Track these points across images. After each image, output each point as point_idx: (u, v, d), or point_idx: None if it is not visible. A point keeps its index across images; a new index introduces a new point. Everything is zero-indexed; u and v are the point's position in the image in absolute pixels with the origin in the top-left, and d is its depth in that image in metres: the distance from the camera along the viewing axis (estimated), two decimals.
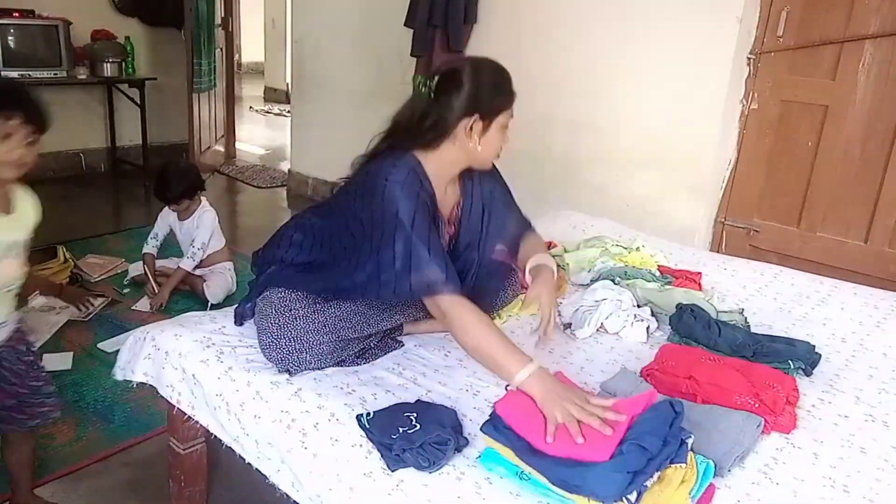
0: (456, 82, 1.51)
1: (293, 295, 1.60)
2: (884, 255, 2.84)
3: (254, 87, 10.29)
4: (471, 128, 1.52)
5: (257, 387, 1.46)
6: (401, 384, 1.51)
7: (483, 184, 1.74)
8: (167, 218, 3.15)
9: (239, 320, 1.71)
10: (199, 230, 3.06)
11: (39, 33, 4.43)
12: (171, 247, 3.26)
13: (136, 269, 3.21)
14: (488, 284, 1.78)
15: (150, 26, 5.29)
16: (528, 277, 1.69)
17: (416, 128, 1.53)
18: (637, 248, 2.28)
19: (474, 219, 1.71)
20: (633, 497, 1.08)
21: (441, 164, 1.57)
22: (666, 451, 1.12)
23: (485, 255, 1.74)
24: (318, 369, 1.53)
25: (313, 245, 1.68)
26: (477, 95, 1.52)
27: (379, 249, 1.47)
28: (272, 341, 1.53)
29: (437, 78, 1.52)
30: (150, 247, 3.12)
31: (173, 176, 3.00)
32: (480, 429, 1.25)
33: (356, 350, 1.58)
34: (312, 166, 4.87)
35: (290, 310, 1.57)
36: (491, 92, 1.55)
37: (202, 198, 3.13)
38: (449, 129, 1.52)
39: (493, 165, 1.74)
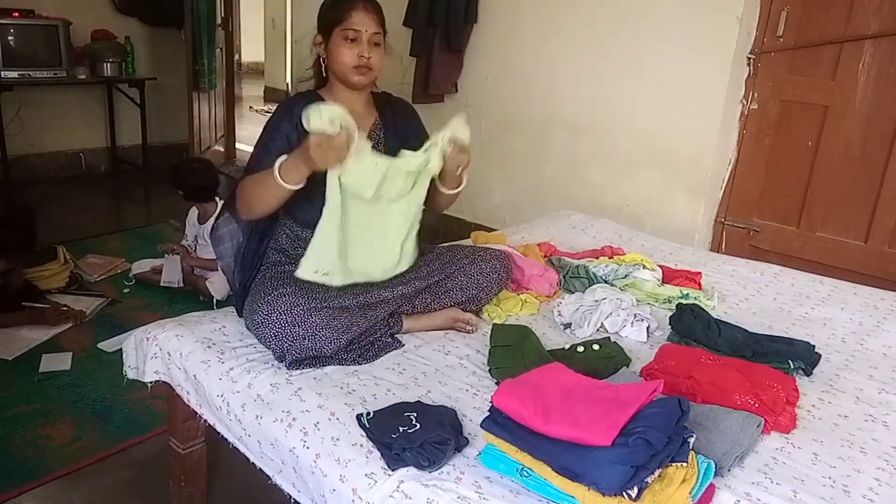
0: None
1: (277, 273, 1.66)
2: (884, 255, 2.84)
3: (254, 87, 10.28)
4: (319, 47, 1.71)
5: (258, 388, 1.46)
6: (401, 384, 1.51)
7: (400, 117, 1.85)
8: (192, 219, 3.18)
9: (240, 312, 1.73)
10: (225, 250, 3.03)
11: (39, 33, 4.43)
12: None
13: (138, 267, 3.22)
14: None
15: (150, 26, 5.29)
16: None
17: (313, 65, 1.77)
18: (625, 276, 2.12)
19: (396, 142, 1.77)
20: (633, 492, 1.08)
21: (332, 91, 1.73)
22: (669, 448, 1.12)
23: None
24: (316, 360, 1.53)
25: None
26: (318, 19, 1.71)
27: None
28: (263, 318, 1.54)
29: None
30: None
31: (202, 180, 3.06)
32: (480, 425, 1.25)
33: (349, 330, 1.57)
34: None
35: (277, 288, 1.59)
36: (323, 10, 1.70)
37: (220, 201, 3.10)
38: (317, 55, 1.73)
39: (412, 108, 1.91)
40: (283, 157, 1.52)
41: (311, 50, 1.76)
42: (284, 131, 1.64)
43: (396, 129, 1.81)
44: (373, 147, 1.61)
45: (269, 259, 1.75)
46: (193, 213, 3.19)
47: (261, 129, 1.73)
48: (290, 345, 1.51)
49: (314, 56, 1.76)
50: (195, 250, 3.20)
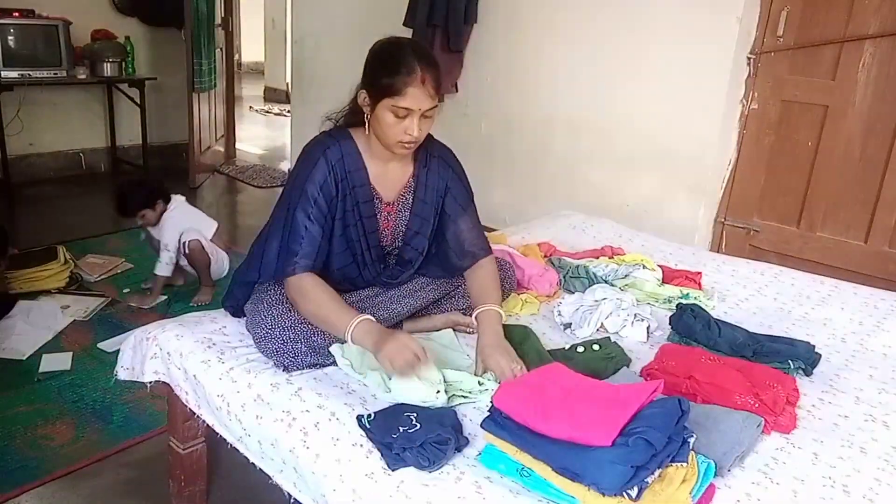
0: (368, 56, 1.56)
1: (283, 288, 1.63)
2: (884, 255, 2.84)
3: (254, 87, 10.29)
4: (364, 102, 1.54)
5: (258, 388, 1.45)
6: None
7: (440, 175, 1.69)
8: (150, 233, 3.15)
9: (232, 310, 1.73)
10: (163, 231, 3.04)
11: (39, 33, 4.43)
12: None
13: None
14: (434, 274, 1.78)
15: (150, 26, 5.29)
16: (474, 322, 1.65)
17: (352, 104, 1.61)
18: (625, 276, 2.12)
19: (427, 207, 1.68)
20: (633, 492, 1.08)
21: (367, 140, 1.60)
22: (669, 448, 1.12)
23: (434, 245, 1.74)
24: (316, 365, 1.53)
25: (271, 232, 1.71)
26: (368, 69, 1.54)
27: (274, 225, 1.60)
28: (266, 333, 1.53)
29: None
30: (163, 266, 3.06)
31: (127, 191, 3.05)
32: (480, 425, 1.25)
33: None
34: None
35: (283, 302, 1.58)
36: (375, 68, 1.52)
37: (169, 204, 3.08)
38: (357, 103, 1.57)
39: (457, 161, 1.74)
40: (360, 323, 1.45)
41: (357, 92, 1.57)
42: (325, 193, 1.54)
43: (428, 192, 1.67)
44: (397, 210, 1.63)
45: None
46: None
47: (294, 163, 1.64)
48: (291, 360, 1.50)
49: (353, 95, 1.59)
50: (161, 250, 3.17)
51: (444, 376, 1.44)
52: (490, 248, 1.78)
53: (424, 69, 1.46)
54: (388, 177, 1.64)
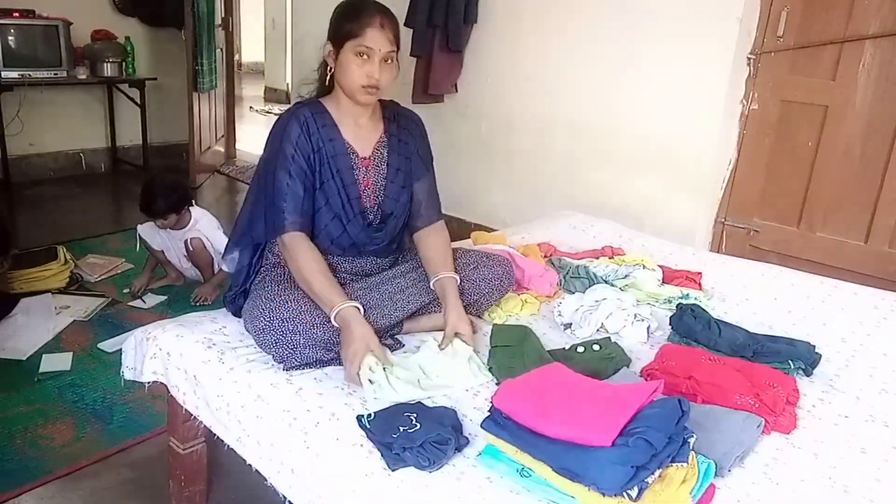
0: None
1: (280, 278, 1.67)
2: (884, 255, 2.84)
3: (254, 87, 10.29)
4: (329, 56, 1.67)
5: (258, 388, 1.46)
6: None
7: (410, 132, 1.82)
8: (155, 234, 3.10)
9: (231, 308, 1.76)
10: (212, 235, 3.07)
11: (39, 33, 4.43)
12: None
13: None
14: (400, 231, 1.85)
15: (150, 26, 5.29)
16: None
17: (319, 70, 1.74)
18: (625, 276, 2.12)
19: (401, 159, 1.79)
20: (634, 492, 1.08)
21: (338, 102, 1.71)
22: (669, 448, 1.12)
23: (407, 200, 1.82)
24: (314, 362, 1.53)
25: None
26: (331, 24, 1.66)
27: (254, 190, 1.71)
28: (265, 325, 1.53)
29: None
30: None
31: (160, 191, 2.96)
32: (481, 425, 1.25)
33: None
34: None
35: (280, 294, 1.59)
36: (337, 19, 1.65)
37: (192, 210, 3.09)
38: (325, 63, 1.70)
39: (422, 124, 1.87)
40: (344, 309, 1.52)
41: (320, 56, 1.71)
42: (301, 149, 1.64)
43: (400, 146, 1.78)
44: (374, 164, 1.70)
45: (268, 261, 1.75)
46: (151, 225, 3.08)
47: (267, 136, 1.70)
48: (290, 353, 1.51)
49: (320, 61, 1.72)
50: (166, 255, 3.17)
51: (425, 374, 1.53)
52: (442, 215, 1.89)
53: (383, 16, 1.62)
54: (361, 134, 1.73)
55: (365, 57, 1.60)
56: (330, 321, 1.54)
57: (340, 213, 1.69)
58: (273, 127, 1.69)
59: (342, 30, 1.62)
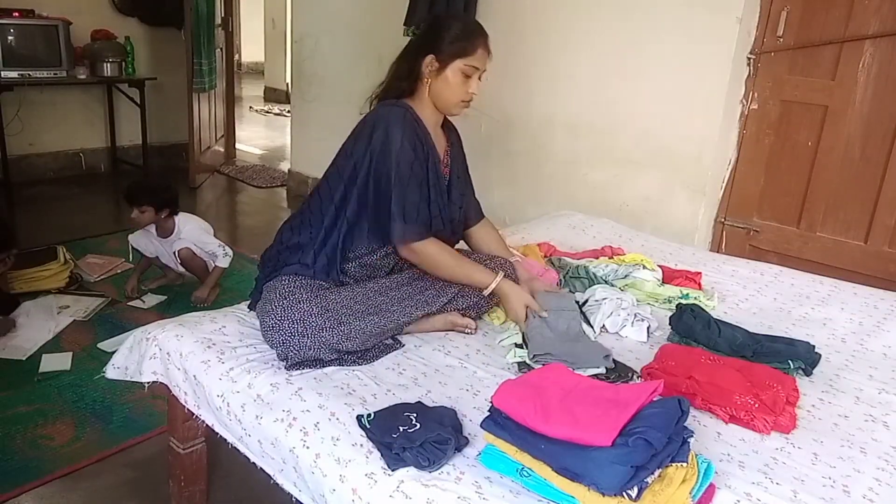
0: (428, 29, 1.78)
1: (298, 282, 1.67)
2: (884, 255, 2.84)
3: (254, 87, 10.30)
4: (430, 67, 1.73)
5: (258, 388, 1.46)
6: (401, 384, 1.51)
7: (457, 140, 1.95)
8: (148, 242, 3.13)
9: (254, 306, 1.77)
10: (198, 239, 3.09)
11: (39, 33, 4.43)
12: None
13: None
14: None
15: (150, 26, 5.29)
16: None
17: (402, 75, 1.77)
18: (625, 276, 2.13)
19: (461, 167, 1.93)
20: (633, 492, 1.08)
21: (423, 107, 1.77)
22: (669, 448, 1.12)
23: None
24: (317, 362, 1.53)
25: (302, 221, 1.78)
26: (438, 38, 1.72)
27: (367, 184, 1.70)
28: (275, 323, 1.56)
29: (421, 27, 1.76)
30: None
31: (146, 183, 3.08)
32: (480, 425, 1.25)
33: (357, 347, 1.58)
34: (312, 166, 4.87)
35: (294, 294, 1.62)
36: (450, 37, 1.72)
37: (176, 218, 3.08)
38: (419, 70, 1.74)
39: (458, 136, 1.96)
40: (499, 279, 1.73)
41: (421, 60, 1.74)
42: (419, 156, 1.71)
43: (455, 152, 1.91)
44: (441, 170, 1.82)
45: (292, 269, 1.73)
46: (150, 236, 3.10)
47: (368, 131, 1.71)
48: (294, 352, 1.52)
49: (395, 65, 1.79)
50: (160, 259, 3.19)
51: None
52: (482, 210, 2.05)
53: (486, 38, 1.75)
54: (438, 140, 1.83)
55: (469, 77, 1.72)
56: (336, 319, 1.57)
57: (437, 217, 1.77)
58: (379, 126, 1.69)
59: (455, 46, 1.70)
